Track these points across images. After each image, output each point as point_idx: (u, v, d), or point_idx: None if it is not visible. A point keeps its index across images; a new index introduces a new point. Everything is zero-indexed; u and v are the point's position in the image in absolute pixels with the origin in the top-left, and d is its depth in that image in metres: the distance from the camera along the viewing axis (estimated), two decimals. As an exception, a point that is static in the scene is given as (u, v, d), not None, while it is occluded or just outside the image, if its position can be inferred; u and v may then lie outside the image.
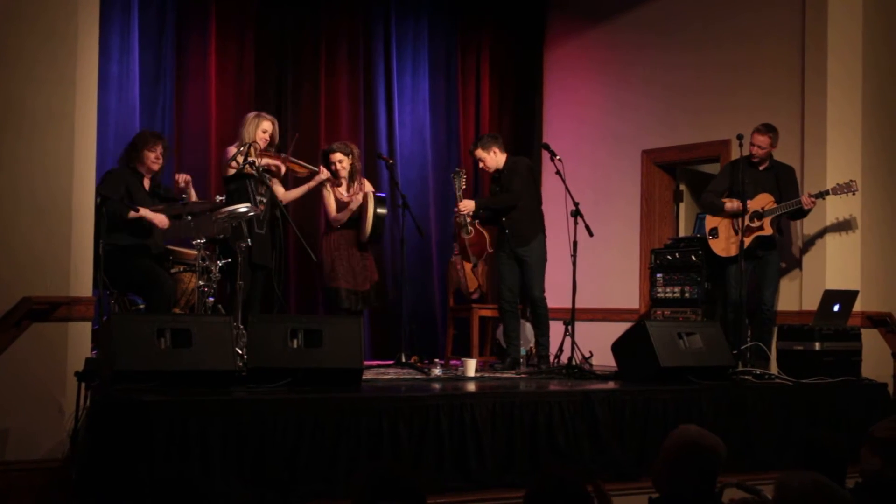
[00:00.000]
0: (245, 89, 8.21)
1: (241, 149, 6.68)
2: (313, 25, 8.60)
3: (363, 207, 7.44)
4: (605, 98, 9.15)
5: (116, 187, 6.22)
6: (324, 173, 7.38)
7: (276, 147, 7.11)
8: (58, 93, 5.41)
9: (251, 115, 7.05)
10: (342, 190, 7.52)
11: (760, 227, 7.16)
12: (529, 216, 7.43)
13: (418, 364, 7.23)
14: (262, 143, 6.92)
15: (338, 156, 7.47)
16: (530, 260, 7.39)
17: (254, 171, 6.68)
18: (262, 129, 6.93)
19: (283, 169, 7.19)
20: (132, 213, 6.17)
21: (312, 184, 7.38)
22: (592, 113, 9.24)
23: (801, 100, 7.59)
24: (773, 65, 7.82)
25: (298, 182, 7.51)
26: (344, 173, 7.49)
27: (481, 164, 7.63)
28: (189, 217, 6.15)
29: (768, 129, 7.23)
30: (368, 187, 7.60)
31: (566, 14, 9.57)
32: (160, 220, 6.30)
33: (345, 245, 7.47)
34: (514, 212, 7.38)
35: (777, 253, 7.35)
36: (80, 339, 5.43)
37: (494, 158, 7.50)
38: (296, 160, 7.19)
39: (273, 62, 8.42)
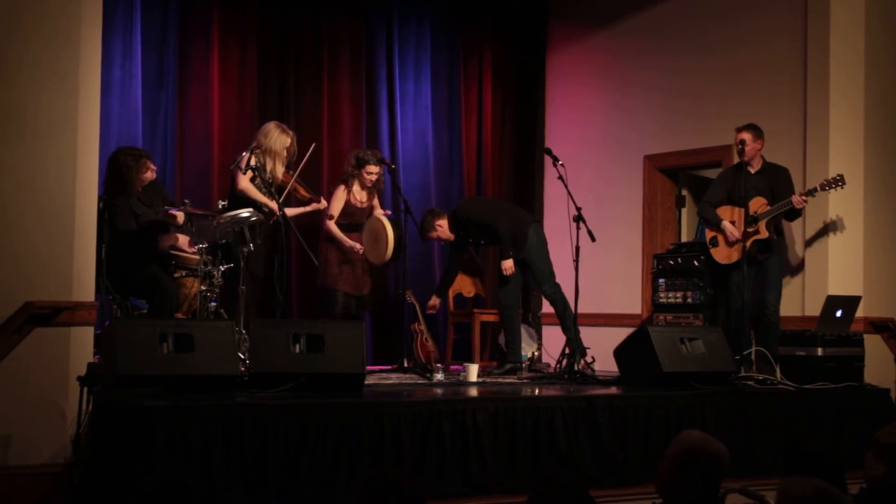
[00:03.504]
0: (247, 95, 8.22)
1: (252, 155, 6.70)
2: (315, 31, 8.61)
3: (377, 229, 7.52)
4: (607, 103, 9.14)
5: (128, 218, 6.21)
6: (322, 203, 7.50)
7: (291, 163, 7.15)
8: (60, 97, 5.42)
9: (273, 126, 7.07)
10: (358, 195, 7.65)
11: (756, 231, 7.15)
12: (510, 222, 7.51)
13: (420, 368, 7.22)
14: (283, 159, 6.97)
15: (376, 169, 7.62)
16: (530, 258, 7.46)
17: (262, 182, 6.69)
18: (286, 145, 6.99)
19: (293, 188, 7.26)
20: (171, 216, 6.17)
21: (309, 209, 7.53)
22: (594, 118, 9.23)
23: (804, 104, 7.58)
24: (775, 69, 7.81)
25: (297, 202, 7.57)
26: (369, 184, 7.67)
27: (442, 242, 7.91)
28: (191, 222, 6.16)
29: (747, 126, 7.22)
30: (377, 208, 7.77)
31: (568, 19, 9.56)
32: (179, 216, 6.30)
33: (348, 249, 7.56)
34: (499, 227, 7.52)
35: (778, 257, 7.33)
36: (82, 343, 5.44)
37: (444, 229, 7.71)
38: (302, 182, 7.25)
39: (275, 67, 8.42)
